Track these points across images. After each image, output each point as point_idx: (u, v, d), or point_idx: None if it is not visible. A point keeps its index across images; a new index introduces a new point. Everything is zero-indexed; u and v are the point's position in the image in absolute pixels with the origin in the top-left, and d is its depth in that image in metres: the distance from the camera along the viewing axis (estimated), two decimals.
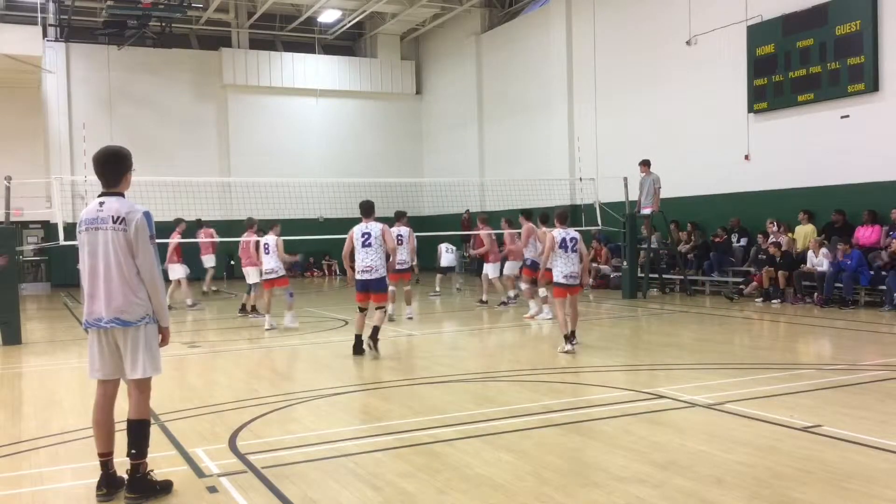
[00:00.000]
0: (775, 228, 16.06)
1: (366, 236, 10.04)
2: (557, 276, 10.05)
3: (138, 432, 4.89)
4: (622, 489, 4.72)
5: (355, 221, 10.35)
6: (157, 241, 4.99)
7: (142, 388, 4.94)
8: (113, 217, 4.82)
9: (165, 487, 4.92)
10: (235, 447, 5.89)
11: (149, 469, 4.92)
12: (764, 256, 15.62)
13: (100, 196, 4.96)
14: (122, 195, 4.97)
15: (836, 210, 15.53)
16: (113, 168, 4.96)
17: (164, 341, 5.03)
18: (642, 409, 6.81)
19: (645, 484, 4.80)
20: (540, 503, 4.57)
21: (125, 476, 4.89)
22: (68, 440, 6.31)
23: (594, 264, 20.65)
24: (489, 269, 16.11)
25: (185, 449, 5.86)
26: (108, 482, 4.87)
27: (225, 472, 5.30)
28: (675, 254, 17.99)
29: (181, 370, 9.77)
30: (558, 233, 10.14)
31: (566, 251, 10.04)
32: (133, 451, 4.85)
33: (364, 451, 5.76)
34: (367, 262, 10.01)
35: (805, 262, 15.05)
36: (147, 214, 4.89)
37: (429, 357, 10.41)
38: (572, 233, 10.24)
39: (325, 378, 9.16)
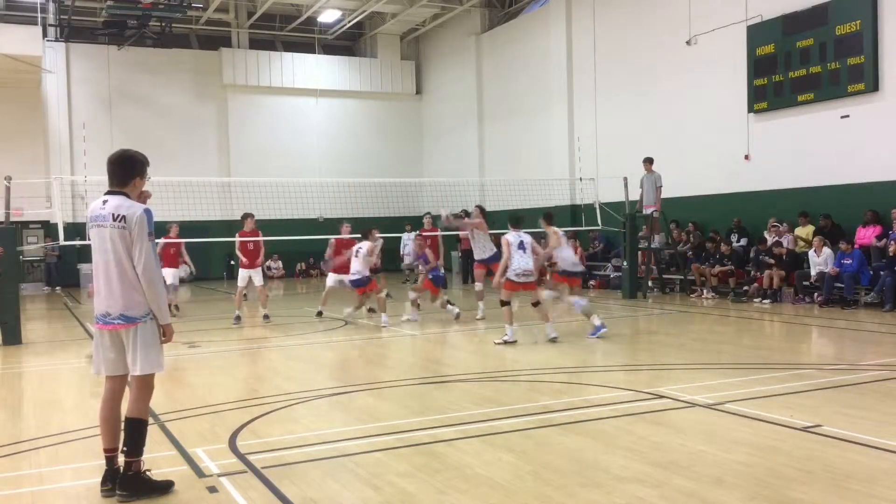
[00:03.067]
0: (781, 228, 16.02)
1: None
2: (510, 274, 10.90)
3: (133, 431, 4.90)
4: (622, 489, 4.72)
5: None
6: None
7: (143, 385, 4.95)
8: (113, 214, 4.87)
9: (164, 487, 4.92)
10: (235, 447, 5.88)
11: (145, 468, 4.93)
12: (767, 258, 15.62)
13: (105, 194, 5.01)
14: (126, 195, 5.01)
15: (823, 215, 15.62)
16: (122, 170, 5.02)
17: (166, 339, 5.04)
18: (642, 409, 6.81)
19: (645, 484, 4.80)
20: (540, 503, 4.57)
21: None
22: (68, 440, 6.31)
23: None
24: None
25: (185, 449, 5.86)
26: (113, 478, 4.89)
27: (225, 472, 5.29)
28: (677, 253, 18.00)
29: (181, 370, 9.76)
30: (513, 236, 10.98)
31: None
32: (125, 449, 4.87)
33: (364, 451, 5.76)
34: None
35: (805, 263, 15.06)
36: (147, 212, 4.93)
37: (429, 357, 10.41)
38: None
39: (325, 378, 9.16)
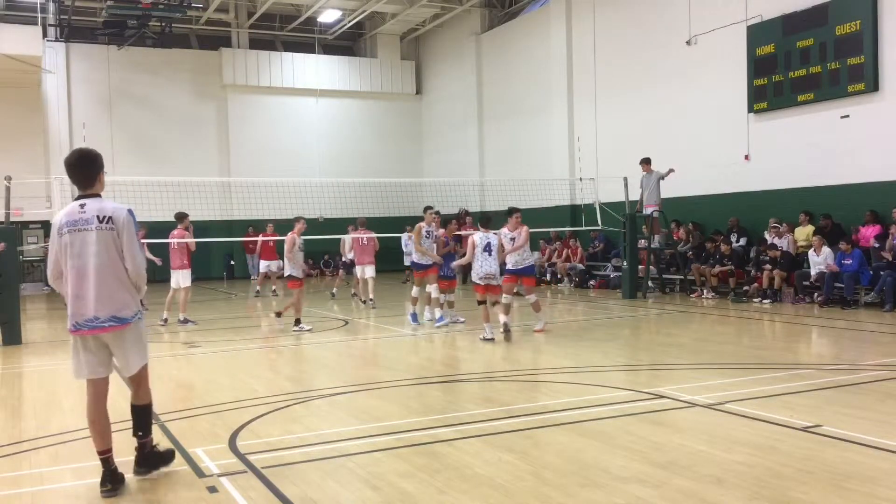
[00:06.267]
0: (781, 229, 16.00)
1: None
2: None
3: (143, 415, 5.18)
4: (622, 489, 4.72)
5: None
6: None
7: (140, 377, 5.13)
8: (98, 217, 4.85)
9: (170, 456, 5.30)
10: (235, 447, 5.89)
11: (154, 443, 5.26)
12: (766, 258, 15.63)
13: (78, 199, 4.98)
14: (100, 196, 5.02)
15: (824, 215, 15.59)
16: (87, 170, 5.01)
17: None
18: (642, 409, 6.81)
19: (645, 484, 4.80)
20: (540, 503, 4.57)
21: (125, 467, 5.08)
22: (68, 440, 6.31)
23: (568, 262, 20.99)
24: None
25: (185, 449, 5.86)
26: (112, 478, 4.91)
27: (225, 472, 5.29)
28: (677, 253, 18.01)
29: (181, 370, 9.77)
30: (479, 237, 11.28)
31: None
32: (140, 433, 5.14)
33: (364, 451, 5.76)
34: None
35: (805, 263, 15.05)
36: (131, 212, 4.98)
37: (429, 357, 10.41)
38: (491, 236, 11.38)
39: (325, 378, 9.16)
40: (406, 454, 5.60)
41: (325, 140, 29.76)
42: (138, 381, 5.11)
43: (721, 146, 18.21)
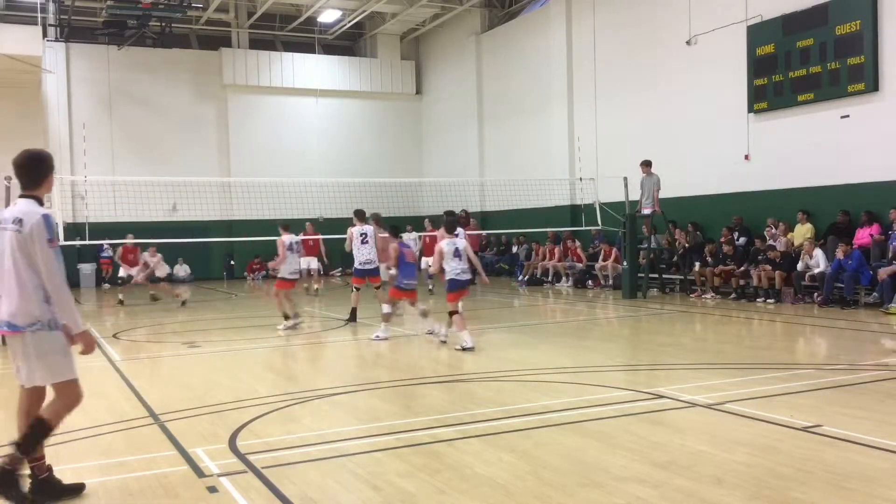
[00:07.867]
0: (774, 231, 16.03)
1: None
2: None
3: (35, 428, 4.71)
4: (622, 489, 4.72)
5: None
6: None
7: (60, 393, 4.78)
8: (13, 218, 4.75)
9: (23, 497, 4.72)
10: (235, 447, 5.88)
11: (27, 470, 4.77)
12: (762, 257, 15.63)
13: (18, 197, 4.92)
14: (35, 198, 4.87)
15: (842, 211, 15.48)
16: (32, 171, 4.93)
17: (85, 349, 4.79)
18: (642, 409, 6.81)
19: (645, 484, 4.80)
20: (540, 503, 4.57)
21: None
22: (68, 440, 6.30)
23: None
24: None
25: (185, 449, 5.86)
26: (38, 488, 4.79)
27: (225, 472, 5.29)
28: (676, 254, 18.00)
29: (181, 370, 9.77)
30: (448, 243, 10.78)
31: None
32: (19, 445, 4.68)
33: (364, 451, 5.76)
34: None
35: (801, 262, 15.06)
36: (46, 217, 4.74)
37: (429, 357, 10.40)
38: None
39: (325, 378, 9.17)
40: (406, 454, 5.59)
41: (325, 140, 29.77)
42: (59, 396, 4.75)
43: (721, 146, 18.22)
